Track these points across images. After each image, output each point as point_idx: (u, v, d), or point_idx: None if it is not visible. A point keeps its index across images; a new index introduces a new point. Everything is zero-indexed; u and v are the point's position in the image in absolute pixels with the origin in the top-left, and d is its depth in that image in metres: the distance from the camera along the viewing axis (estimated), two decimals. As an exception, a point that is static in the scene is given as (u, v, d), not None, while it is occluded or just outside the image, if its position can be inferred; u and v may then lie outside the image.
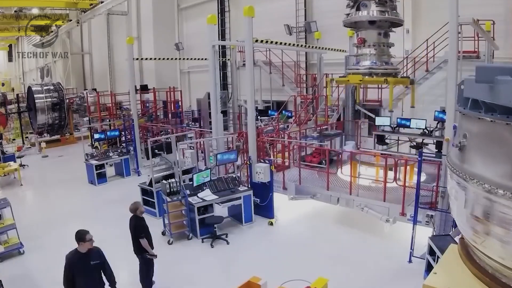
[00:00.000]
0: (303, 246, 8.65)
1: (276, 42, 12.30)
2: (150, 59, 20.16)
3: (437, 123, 12.26)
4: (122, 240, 9.28)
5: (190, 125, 18.39)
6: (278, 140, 12.43)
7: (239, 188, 9.76)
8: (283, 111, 16.45)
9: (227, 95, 17.78)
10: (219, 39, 18.45)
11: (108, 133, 16.17)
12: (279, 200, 10.34)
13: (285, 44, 13.40)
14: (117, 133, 16.43)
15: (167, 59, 20.53)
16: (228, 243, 8.80)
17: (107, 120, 20.31)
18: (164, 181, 9.60)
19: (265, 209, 9.89)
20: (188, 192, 9.19)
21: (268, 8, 17.51)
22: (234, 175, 10.30)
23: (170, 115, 20.54)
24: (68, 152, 19.68)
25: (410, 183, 8.89)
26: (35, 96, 20.33)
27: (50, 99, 20.64)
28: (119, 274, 8.13)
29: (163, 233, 9.31)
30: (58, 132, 21.75)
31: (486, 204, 2.40)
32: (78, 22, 23.57)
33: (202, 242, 8.88)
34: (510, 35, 12.20)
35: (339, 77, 11.45)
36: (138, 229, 6.62)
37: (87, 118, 21.87)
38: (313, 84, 16.80)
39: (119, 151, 15.12)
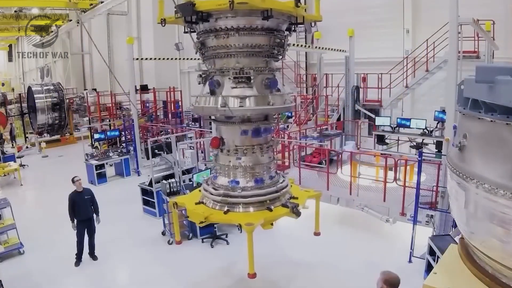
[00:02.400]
0: (303, 246, 8.64)
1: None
2: (150, 59, 20.15)
3: (437, 123, 12.27)
4: (122, 239, 9.31)
5: (190, 125, 18.40)
6: (278, 140, 12.42)
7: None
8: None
9: (227, 95, 17.71)
10: (219, 39, 18.43)
11: (108, 133, 16.19)
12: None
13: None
14: (117, 133, 16.44)
15: (167, 59, 20.51)
16: (228, 243, 8.80)
17: (107, 120, 20.30)
18: (164, 181, 9.60)
19: (265, 209, 9.86)
20: (188, 192, 9.18)
21: (268, 8, 17.48)
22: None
23: (170, 115, 20.54)
24: (68, 152, 19.67)
25: (410, 183, 8.90)
26: (35, 96, 20.34)
27: (50, 99, 20.63)
28: (121, 272, 8.16)
29: (163, 233, 9.32)
30: (58, 132, 21.74)
31: (486, 204, 2.40)
32: (78, 22, 23.53)
33: (202, 242, 8.88)
34: (510, 35, 12.21)
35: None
36: None
37: (87, 118, 21.87)
38: (313, 84, 16.79)
39: (119, 151, 15.13)
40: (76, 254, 8.10)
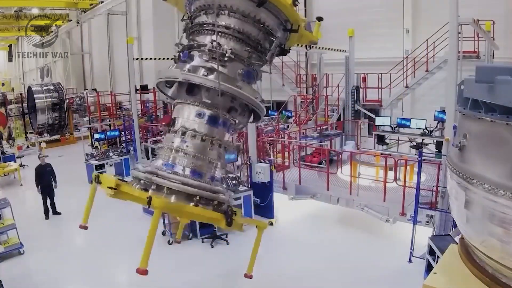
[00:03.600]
0: (303, 246, 8.65)
1: (276, 42, 12.24)
2: (150, 59, 20.15)
3: (437, 123, 12.27)
4: (122, 239, 9.31)
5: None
6: (278, 140, 12.43)
7: (239, 188, 9.75)
8: (283, 111, 16.45)
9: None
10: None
11: (108, 133, 16.19)
12: (279, 200, 10.33)
13: (285, 44, 13.38)
14: (117, 133, 16.44)
15: (167, 59, 20.49)
16: (228, 243, 8.80)
17: (107, 120, 20.30)
18: (164, 181, 9.58)
19: (265, 209, 9.88)
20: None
21: (268, 8, 17.48)
22: (234, 175, 10.29)
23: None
24: (68, 152, 19.64)
25: (410, 183, 8.90)
26: (35, 96, 20.34)
27: (50, 99, 20.62)
28: (120, 272, 8.16)
29: (163, 233, 9.31)
30: (58, 132, 21.74)
31: (486, 204, 2.40)
32: (78, 22, 23.55)
33: (202, 242, 8.88)
34: (510, 35, 12.20)
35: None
36: None
37: (87, 118, 21.87)
38: (313, 84, 16.79)
39: (119, 151, 15.13)
40: (44, 212, 10.77)
